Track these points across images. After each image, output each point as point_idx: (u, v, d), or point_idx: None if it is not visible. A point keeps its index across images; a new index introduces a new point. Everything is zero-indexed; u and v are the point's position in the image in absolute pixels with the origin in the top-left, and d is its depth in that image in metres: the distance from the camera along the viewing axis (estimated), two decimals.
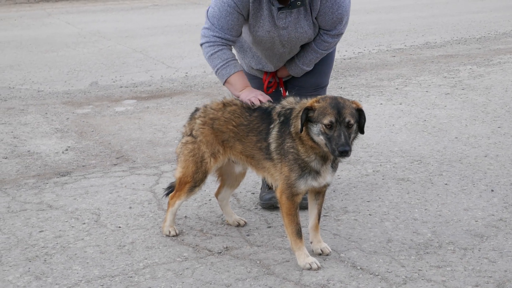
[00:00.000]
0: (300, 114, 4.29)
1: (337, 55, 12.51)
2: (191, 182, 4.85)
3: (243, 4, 4.95)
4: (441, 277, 4.28)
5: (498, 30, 15.30)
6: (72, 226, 5.21)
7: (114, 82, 10.81)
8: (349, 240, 4.85)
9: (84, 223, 5.26)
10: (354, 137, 4.38)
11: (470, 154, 6.65)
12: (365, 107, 8.51)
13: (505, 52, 12.43)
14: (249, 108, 4.73)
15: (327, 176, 4.46)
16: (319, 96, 4.39)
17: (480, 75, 10.34)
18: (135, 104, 9.30)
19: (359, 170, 6.31)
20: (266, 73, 5.50)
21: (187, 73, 11.39)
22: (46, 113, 8.83)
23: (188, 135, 4.88)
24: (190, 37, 14.87)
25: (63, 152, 7.16)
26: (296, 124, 4.35)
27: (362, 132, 4.40)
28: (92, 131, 7.99)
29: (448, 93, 9.24)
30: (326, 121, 4.20)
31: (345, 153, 4.15)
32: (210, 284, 4.25)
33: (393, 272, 4.35)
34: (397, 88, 9.68)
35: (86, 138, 7.68)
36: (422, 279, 4.26)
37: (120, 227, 5.18)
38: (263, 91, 5.47)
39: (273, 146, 4.50)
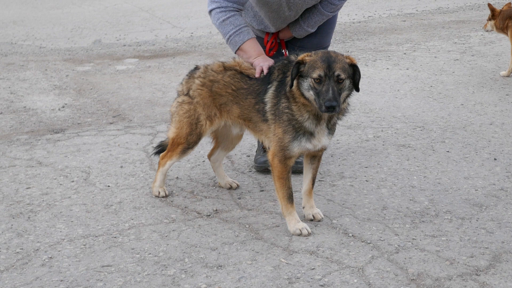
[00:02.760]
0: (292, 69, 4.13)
1: (346, 19, 12.28)
2: (184, 144, 4.69)
3: None
4: (435, 247, 4.12)
5: None
6: (60, 184, 5.08)
7: (117, 40, 10.64)
8: (342, 207, 4.70)
9: (73, 181, 5.13)
10: (348, 95, 4.20)
11: (475, 121, 6.46)
12: (371, 72, 8.36)
13: None
14: (249, 76, 4.56)
15: (322, 139, 4.28)
16: (313, 51, 4.21)
17: (491, 42, 10.09)
18: (136, 63, 9.13)
19: (359, 135, 6.14)
20: (267, 34, 5.31)
21: (192, 33, 11.19)
22: (46, 70, 8.68)
23: (185, 95, 4.71)
24: None
25: (59, 109, 7.02)
26: (287, 79, 4.19)
27: (357, 89, 4.20)
28: (91, 88, 7.84)
29: (457, 59, 9.01)
30: (315, 75, 4.03)
31: (332, 108, 3.96)
32: (195, 247, 4.11)
33: (385, 241, 4.20)
34: (405, 53, 9.46)
35: (84, 96, 7.53)
36: (416, 249, 4.10)
37: (109, 186, 5.05)
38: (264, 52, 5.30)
39: (268, 105, 4.33)
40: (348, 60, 4.12)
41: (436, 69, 8.51)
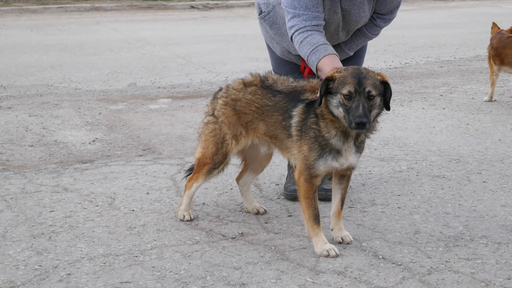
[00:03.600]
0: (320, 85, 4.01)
1: (382, 65, 12.19)
2: (210, 164, 4.58)
3: None
4: (470, 269, 3.92)
5: None
6: (84, 208, 4.99)
7: (152, 83, 10.65)
8: (373, 231, 4.52)
9: (97, 206, 5.03)
10: (378, 113, 4.05)
11: None
12: (406, 111, 8.22)
13: None
14: (271, 88, 4.44)
15: (349, 157, 4.13)
16: (342, 67, 4.10)
17: None
18: (170, 103, 9.11)
19: (392, 166, 5.97)
20: (304, 61, 5.19)
21: (227, 77, 11.17)
22: (79, 108, 8.69)
23: (210, 115, 4.64)
24: (235, 46, 14.69)
25: (89, 143, 6.98)
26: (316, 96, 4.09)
27: (387, 108, 4.05)
28: (123, 125, 7.80)
29: (495, 100, 8.83)
30: (345, 91, 3.90)
31: (362, 125, 3.82)
32: (219, 266, 3.96)
33: (417, 263, 4.01)
34: (441, 95, 9.30)
35: (116, 131, 7.49)
36: (449, 271, 3.91)
37: (133, 210, 4.94)
38: (296, 76, 5.17)
39: (294, 120, 4.19)
40: (379, 77, 3.99)
41: (473, 109, 8.34)
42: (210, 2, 22.15)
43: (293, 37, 4.69)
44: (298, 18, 4.64)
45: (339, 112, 3.94)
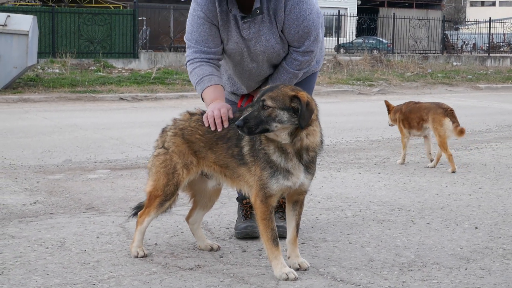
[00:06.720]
0: None
1: None
2: (161, 196, 4.60)
3: (212, 13, 4.83)
4: None
5: (474, 128, 15.40)
6: (35, 250, 4.91)
7: (88, 159, 10.61)
8: (328, 260, 4.59)
9: (47, 248, 4.96)
10: (285, 128, 4.10)
11: (452, 204, 6.47)
12: (343, 175, 8.41)
13: (481, 141, 12.45)
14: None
15: (300, 175, 4.23)
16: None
17: (458, 156, 10.27)
18: (108, 173, 9.08)
19: (338, 214, 6.08)
20: (242, 98, 5.34)
21: None
22: (16, 178, 8.57)
23: (160, 147, 4.70)
24: None
25: (31, 204, 6.88)
26: None
27: (300, 124, 4.07)
28: (63, 191, 7.73)
29: (427, 167, 9.14)
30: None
31: (238, 128, 4.06)
32: None
33: (375, 283, 4.09)
34: (375, 164, 9.57)
35: (56, 196, 7.41)
36: None
37: (85, 250, 4.89)
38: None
39: (246, 149, 4.32)
40: (292, 93, 4.10)
41: (407, 173, 8.60)
42: (139, 94, 22.31)
43: (186, 66, 5.00)
44: (190, 49, 4.95)
45: None
